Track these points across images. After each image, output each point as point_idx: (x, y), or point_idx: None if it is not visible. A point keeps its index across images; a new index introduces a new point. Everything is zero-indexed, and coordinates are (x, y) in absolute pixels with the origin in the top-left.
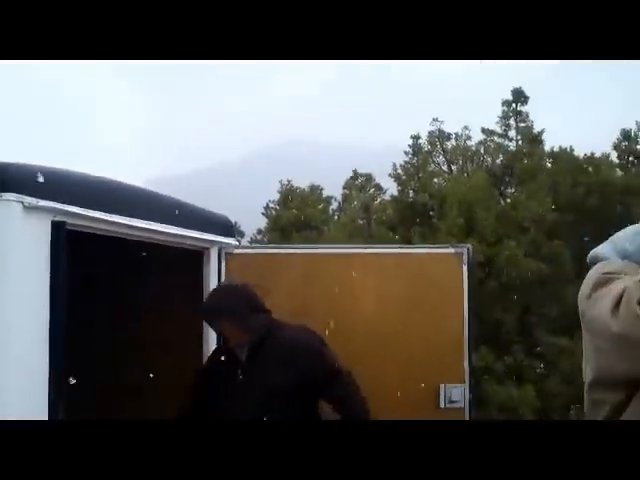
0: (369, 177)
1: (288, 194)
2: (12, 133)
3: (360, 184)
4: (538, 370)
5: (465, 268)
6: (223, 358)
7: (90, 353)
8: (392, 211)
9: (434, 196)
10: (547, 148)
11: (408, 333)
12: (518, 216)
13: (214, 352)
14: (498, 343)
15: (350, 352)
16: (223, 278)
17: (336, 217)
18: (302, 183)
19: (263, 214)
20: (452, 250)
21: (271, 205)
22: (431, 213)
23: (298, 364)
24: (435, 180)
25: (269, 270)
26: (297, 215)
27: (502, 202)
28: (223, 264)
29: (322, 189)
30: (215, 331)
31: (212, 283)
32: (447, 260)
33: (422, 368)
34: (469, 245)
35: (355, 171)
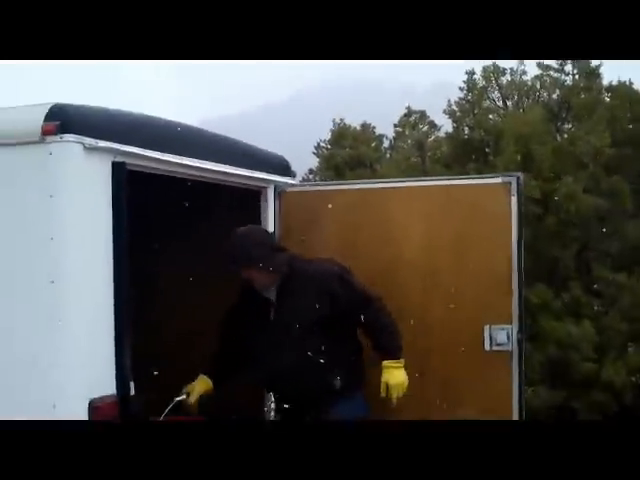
0: (423, 114)
1: (341, 132)
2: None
3: (413, 121)
4: (596, 307)
5: (514, 199)
6: (253, 301)
7: (151, 292)
8: (447, 148)
9: (490, 132)
10: (605, 82)
11: (456, 268)
12: (576, 151)
13: (242, 294)
14: (556, 280)
15: (399, 287)
16: (278, 217)
17: (389, 155)
18: (354, 121)
19: (314, 153)
20: (500, 180)
21: (322, 144)
22: (487, 150)
23: (328, 293)
24: (490, 116)
25: (322, 206)
26: (350, 154)
27: (559, 138)
28: (277, 203)
29: (374, 127)
30: (243, 280)
31: (270, 222)
32: (495, 191)
33: (468, 306)
34: (519, 174)
35: (409, 108)
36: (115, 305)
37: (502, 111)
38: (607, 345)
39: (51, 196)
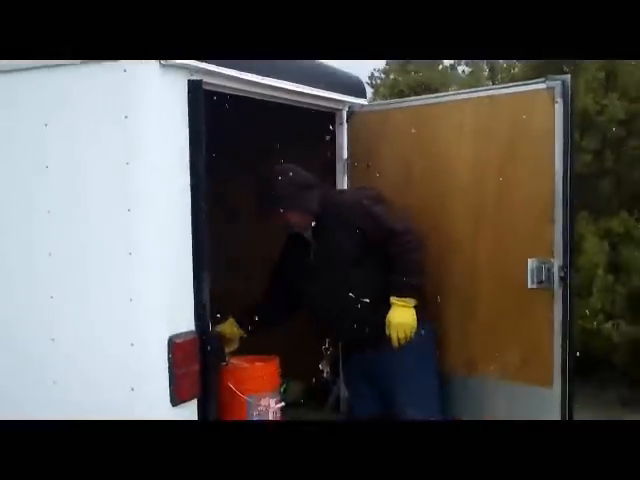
0: None
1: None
2: None
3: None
4: None
5: (559, 107)
6: (295, 244)
7: (227, 224)
8: (519, 70)
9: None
10: None
11: (501, 195)
12: None
13: (287, 238)
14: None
15: (450, 217)
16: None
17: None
18: None
19: (368, 84)
20: (544, 86)
21: (376, 74)
22: (565, 69)
23: (357, 227)
24: None
25: (383, 128)
26: (415, 78)
27: None
28: (349, 126)
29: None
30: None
31: (344, 146)
32: (539, 99)
33: (513, 239)
34: (567, 76)
35: None
36: (193, 238)
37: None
38: None
39: (126, 117)
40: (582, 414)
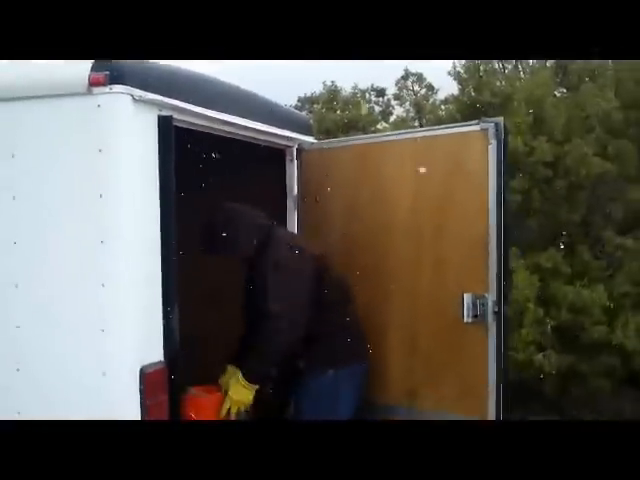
0: (419, 77)
1: (331, 95)
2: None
3: (412, 82)
4: (607, 271)
5: (492, 148)
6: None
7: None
8: (446, 112)
9: (496, 95)
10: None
11: (439, 229)
12: (583, 114)
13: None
14: (565, 244)
15: (393, 250)
16: (298, 176)
17: (382, 120)
18: (345, 84)
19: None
20: (477, 127)
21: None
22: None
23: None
24: (498, 79)
25: (330, 165)
26: (343, 117)
27: (567, 100)
28: (298, 162)
29: (368, 90)
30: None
31: (295, 182)
32: (474, 139)
33: (449, 273)
34: (500, 119)
35: (406, 70)
36: (163, 268)
37: (508, 74)
38: (617, 309)
39: (100, 151)
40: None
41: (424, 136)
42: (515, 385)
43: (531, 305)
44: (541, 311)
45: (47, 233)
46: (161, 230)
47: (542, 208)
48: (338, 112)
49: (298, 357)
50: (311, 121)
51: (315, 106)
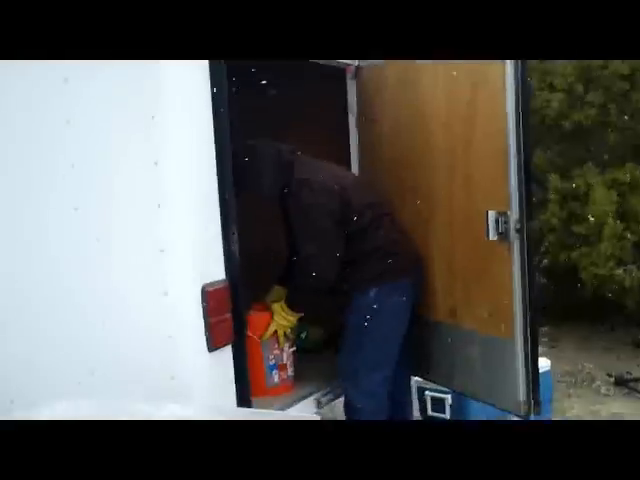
0: None
1: None
2: None
3: None
4: None
5: (510, 66)
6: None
7: None
8: None
9: None
10: None
11: (466, 146)
12: None
13: None
14: None
15: (430, 170)
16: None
17: None
18: None
19: None
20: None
21: None
22: None
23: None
24: None
25: (383, 83)
26: None
27: None
28: (356, 80)
29: None
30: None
31: (354, 99)
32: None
33: (476, 191)
34: None
35: None
36: (220, 190)
37: None
38: None
39: (153, 117)
40: (598, 354)
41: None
42: (597, 300)
43: (610, 220)
44: (620, 226)
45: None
46: (216, 147)
47: (619, 122)
48: None
49: (338, 284)
50: None
51: None
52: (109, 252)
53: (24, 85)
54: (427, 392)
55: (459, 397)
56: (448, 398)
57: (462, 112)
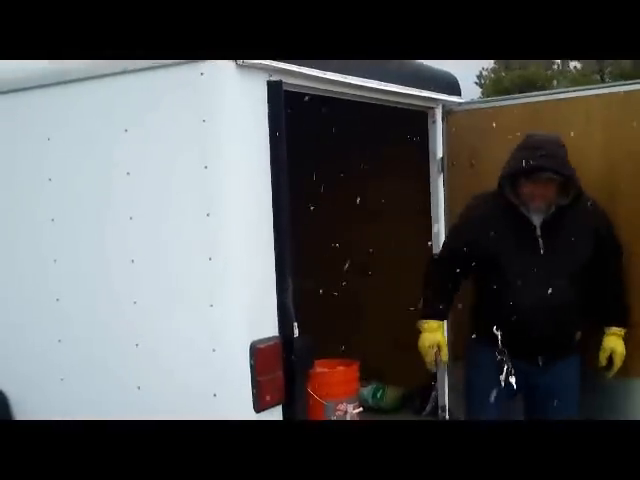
0: None
1: None
2: None
3: None
4: None
5: None
6: (511, 226)
7: (312, 223)
8: (630, 62)
9: None
10: None
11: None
12: None
13: (493, 217)
14: None
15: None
16: (446, 139)
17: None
18: None
19: (476, 83)
20: None
21: (485, 72)
22: None
23: (597, 232)
24: None
25: (490, 126)
26: (520, 74)
27: None
28: (445, 124)
29: None
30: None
31: (438, 145)
32: None
33: None
34: None
35: None
36: (276, 239)
37: None
38: None
39: (204, 121)
40: None
41: (619, 91)
42: None
43: None
44: None
45: (158, 207)
46: (273, 200)
47: None
48: (517, 70)
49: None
50: (456, 78)
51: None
52: (166, 302)
53: (87, 92)
54: None
55: None
56: None
57: (629, 146)
